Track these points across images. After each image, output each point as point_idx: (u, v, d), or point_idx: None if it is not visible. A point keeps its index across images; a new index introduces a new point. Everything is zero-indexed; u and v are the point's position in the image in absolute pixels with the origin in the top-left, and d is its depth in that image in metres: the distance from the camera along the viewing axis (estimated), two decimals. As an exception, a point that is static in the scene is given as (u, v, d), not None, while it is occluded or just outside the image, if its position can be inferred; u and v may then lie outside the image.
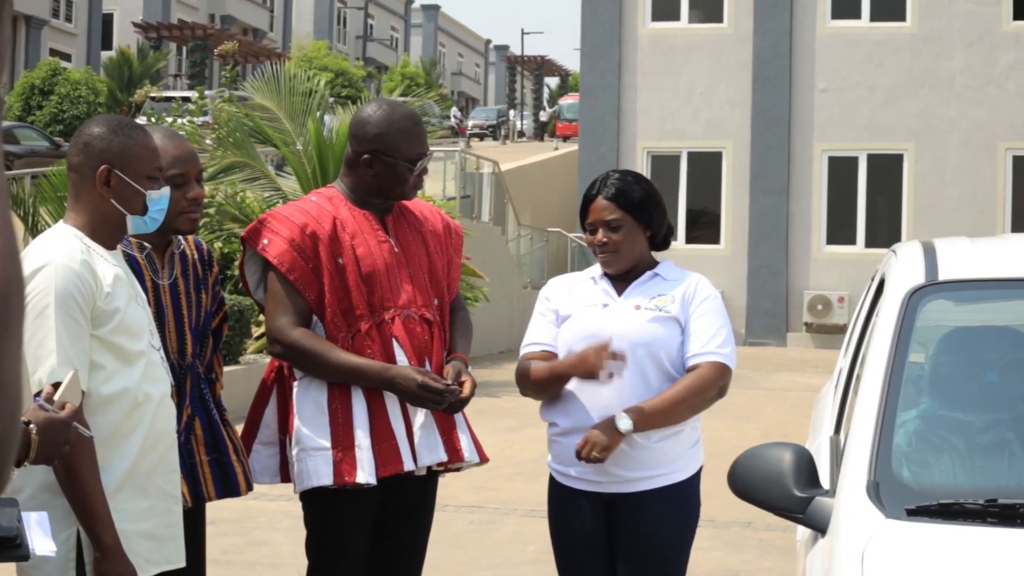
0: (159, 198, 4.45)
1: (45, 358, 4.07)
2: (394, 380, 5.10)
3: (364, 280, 5.23)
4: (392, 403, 5.21)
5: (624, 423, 5.08)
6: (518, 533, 10.27)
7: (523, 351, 5.47)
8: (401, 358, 5.24)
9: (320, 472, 5.15)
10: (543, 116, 76.70)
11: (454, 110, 65.50)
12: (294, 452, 5.21)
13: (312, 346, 5.15)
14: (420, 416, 5.28)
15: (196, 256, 5.34)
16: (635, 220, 5.32)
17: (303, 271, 5.18)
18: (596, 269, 5.46)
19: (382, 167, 5.30)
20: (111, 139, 4.35)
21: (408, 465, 5.20)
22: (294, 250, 5.18)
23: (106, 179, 4.32)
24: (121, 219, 4.38)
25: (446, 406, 5.14)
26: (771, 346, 28.88)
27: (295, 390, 5.25)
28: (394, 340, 5.25)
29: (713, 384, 5.23)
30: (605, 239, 5.30)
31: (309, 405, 5.21)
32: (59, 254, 4.18)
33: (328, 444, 5.16)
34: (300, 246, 5.18)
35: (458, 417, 5.39)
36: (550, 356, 5.36)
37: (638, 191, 5.35)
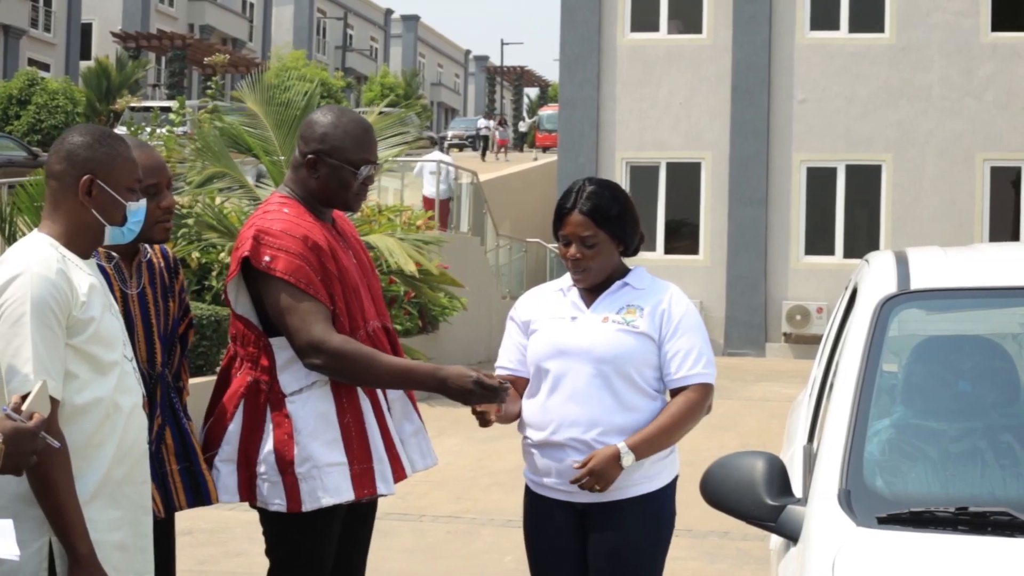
0: (137, 210, 4.45)
1: (21, 367, 4.04)
2: (448, 380, 5.04)
3: (352, 293, 5.21)
4: (386, 413, 5.22)
5: (628, 459, 5.09)
6: (495, 543, 10.26)
7: (495, 371, 5.45)
8: None
9: (340, 488, 5.08)
10: (523, 127, 76.64)
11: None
12: (302, 469, 5.07)
13: (359, 350, 5.04)
14: (410, 424, 5.29)
15: (163, 264, 5.32)
16: (610, 236, 5.30)
17: (316, 284, 5.08)
18: (566, 280, 5.45)
19: (326, 169, 5.23)
20: (95, 149, 4.33)
21: (408, 472, 5.26)
22: (304, 263, 5.06)
23: (88, 189, 4.31)
24: (100, 229, 4.37)
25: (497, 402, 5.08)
26: (750, 356, 28.87)
27: (291, 406, 5.11)
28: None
29: (702, 406, 5.27)
30: (579, 255, 5.27)
31: (312, 421, 5.10)
32: (34, 263, 4.16)
33: (343, 459, 5.09)
34: (307, 258, 5.08)
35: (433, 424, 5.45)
36: (515, 380, 5.37)
37: (615, 207, 5.32)
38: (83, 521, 4.12)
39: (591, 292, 5.36)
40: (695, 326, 5.31)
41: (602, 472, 5.07)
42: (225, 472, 5.23)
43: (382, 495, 5.16)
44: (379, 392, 5.21)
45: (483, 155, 56.23)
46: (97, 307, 4.26)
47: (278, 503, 5.12)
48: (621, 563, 5.26)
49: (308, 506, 5.08)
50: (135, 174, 4.44)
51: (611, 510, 5.23)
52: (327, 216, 5.35)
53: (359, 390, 5.14)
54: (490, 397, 5.02)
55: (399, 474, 5.21)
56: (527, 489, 5.47)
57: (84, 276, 4.28)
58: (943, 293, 4.71)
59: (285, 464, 5.09)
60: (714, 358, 5.35)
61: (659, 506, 5.30)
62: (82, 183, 4.31)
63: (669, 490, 5.34)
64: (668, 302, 5.30)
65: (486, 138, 59.94)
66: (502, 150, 59.80)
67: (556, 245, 21.60)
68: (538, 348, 5.32)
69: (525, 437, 5.38)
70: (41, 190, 15.62)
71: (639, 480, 5.22)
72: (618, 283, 5.36)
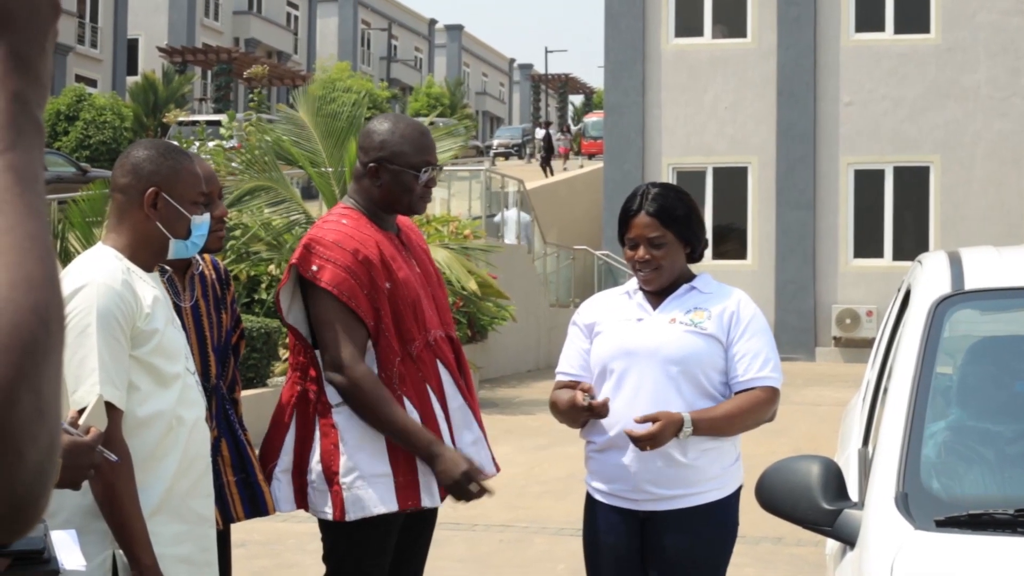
0: (202, 223, 4.48)
1: (86, 377, 4.05)
2: (438, 458, 5.06)
3: (411, 302, 5.22)
4: (443, 424, 5.22)
5: (687, 431, 5.02)
6: (548, 551, 10.25)
7: (556, 377, 5.46)
8: (447, 377, 5.28)
9: (384, 499, 5.10)
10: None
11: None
12: (347, 480, 5.11)
13: (373, 390, 5.07)
14: (470, 434, 5.29)
15: (214, 276, 5.35)
16: (677, 237, 5.26)
17: (361, 298, 5.11)
18: (631, 284, 5.41)
19: (388, 175, 5.28)
20: (160, 162, 4.37)
21: None
22: (351, 276, 5.11)
23: (153, 201, 4.35)
24: (164, 242, 4.40)
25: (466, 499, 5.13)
26: (800, 361, 28.76)
27: (337, 416, 5.16)
28: (438, 361, 5.28)
29: (768, 408, 5.22)
30: (647, 256, 5.22)
31: (357, 431, 5.14)
32: (100, 274, 4.18)
33: (388, 470, 5.11)
34: (355, 272, 5.11)
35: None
36: (578, 385, 5.31)
37: (681, 208, 5.28)
38: (147, 534, 4.13)
39: (657, 295, 5.31)
40: (763, 330, 5.28)
41: (661, 433, 4.99)
42: (284, 482, 5.28)
43: (426, 507, 5.15)
44: (434, 401, 5.22)
45: (546, 165, 55.12)
46: (161, 319, 4.28)
47: (327, 511, 5.17)
48: (683, 572, 5.20)
49: (352, 515, 5.12)
50: (199, 187, 4.47)
51: (672, 518, 5.16)
52: (391, 224, 5.39)
53: (407, 400, 5.15)
54: (467, 497, 5.07)
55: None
56: (588, 496, 5.40)
57: (148, 288, 4.30)
58: (998, 293, 4.68)
59: (331, 473, 5.14)
60: (781, 364, 5.32)
61: (722, 515, 5.22)
62: (147, 195, 4.34)
63: (733, 499, 5.26)
64: (736, 305, 5.27)
65: (549, 146, 58.69)
66: (566, 158, 59.44)
67: (604, 251, 21.63)
68: (603, 349, 5.27)
69: (589, 441, 5.33)
70: (92, 206, 15.72)
71: (705, 488, 5.16)
72: (685, 286, 5.32)
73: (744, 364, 5.19)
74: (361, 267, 5.13)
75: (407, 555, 5.40)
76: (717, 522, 5.21)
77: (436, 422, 5.19)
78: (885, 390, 4.59)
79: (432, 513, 5.42)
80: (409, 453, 5.11)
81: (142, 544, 4.13)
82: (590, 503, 5.40)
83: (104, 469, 3.92)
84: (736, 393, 5.20)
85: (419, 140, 5.32)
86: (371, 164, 5.30)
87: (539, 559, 10.06)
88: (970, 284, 4.59)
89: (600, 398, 5.18)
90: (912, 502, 3.76)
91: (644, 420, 5.00)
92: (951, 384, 4.64)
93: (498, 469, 5.51)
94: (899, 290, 5.60)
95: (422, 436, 5.08)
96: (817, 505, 3.95)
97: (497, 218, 28.01)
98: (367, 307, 5.12)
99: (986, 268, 4.81)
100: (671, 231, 5.24)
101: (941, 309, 4.45)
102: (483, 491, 5.10)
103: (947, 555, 3.57)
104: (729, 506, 5.23)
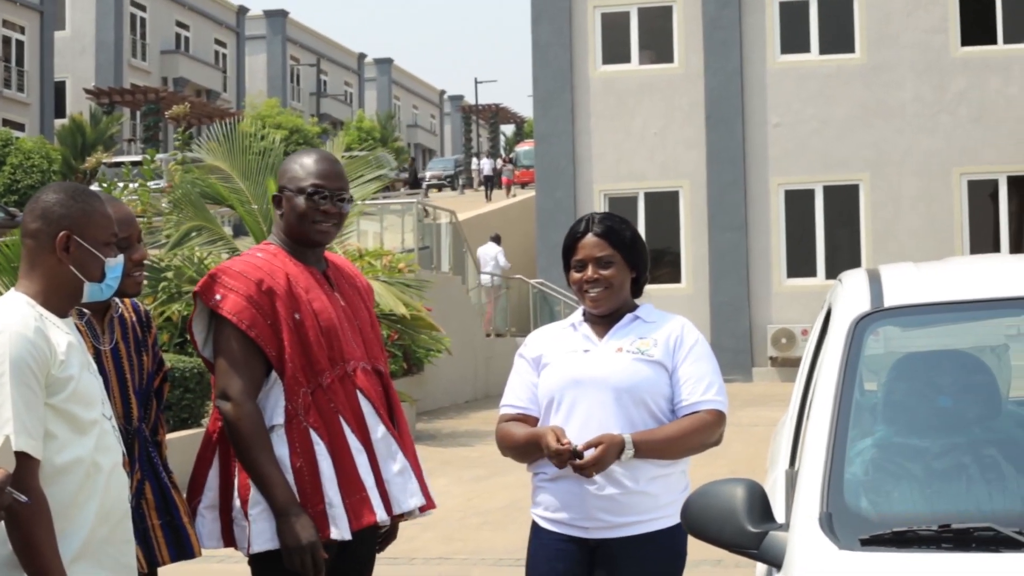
0: (116, 265, 4.41)
1: (1, 426, 3.99)
2: (288, 518, 5.00)
3: (324, 334, 5.19)
4: (359, 454, 5.17)
5: (628, 453, 5.04)
6: (487, 583, 10.19)
7: (501, 409, 5.44)
8: (368, 408, 5.23)
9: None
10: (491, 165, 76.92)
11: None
12: (253, 512, 5.07)
13: (250, 431, 5.04)
14: (395, 464, 5.24)
15: (135, 318, 5.30)
16: (624, 259, 5.32)
17: (262, 327, 5.10)
18: (575, 317, 5.44)
19: (287, 204, 5.31)
20: (71, 205, 4.30)
21: (381, 516, 5.17)
22: (252, 306, 5.10)
23: (65, 245, 4.27)
24: (78, 286, 4.32)
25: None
26: (737, 382, 28.86)
27: None
28: (358, 392, 5.22)
29: (713, 430, 5.24)
30: (596, 276, 5.26)
31: None
32: (12, 322, 4.11)
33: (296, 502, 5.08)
34: (258, 302, 5.11)
35: (422, 465, 5.41)
36: (526, 418, 5.32)
37: (627, 231, 5.37)
38: None
39: (603, 326, 5.35)
40: (707, 355, 5.32)
41: (604, 456, 5.00)
42: (210, 519, 5.24)
43: (334, 540, 5.09)
44: (349, 433, 5.17)
45: (489, 195, 56.27)
46: (75, 366, 4.21)
47: (244, 546, 5.15)
48: None
49: (256, 548, 5.07)
50: (111, 229, 4.40)
51: (626, 545, 5.15)
52: (313, 259, 5.37)
53: (314, 433, 5.11)
54: (306, 566, 5.00)
55: (366, 517, 5.13)
56: (534, 525, 5.36)
57: (62, 335, 4.23)
58: (917, 309, 4.68)
59: (246, 507, 5.10)
60: (725, 389, 5.35)
61: (673, 542, 5.20)
62: (59, 240, 4.27)
63: (682, 527, 5.27)
64: (680, 331, 5.32)
65: (490, 178, 59.87)
66: (510, 188, 59.73)
67: (538, 280, 21.56)
68: (552, 380, 5.27)
69: (537, 473, 5.30)
70: (18, 250, 15.55)
71: (656, 515, 5.16)
72: (629, 316, 5.36)
73: (688, 388, 5.22)
74: (264, 297, 5.12)
75: None
76: (667, 549, 5.20)
77: (350, 453, 5.14)
78: (809, 409, 4.58)
79: (365, 552, 5.37)
80: (318, 487, 5.07)
81: None
82: (537, 532, 5.35)
83: (23, 517, 3.88)
84: (681, 417, 5.21)
85: (311, 165, 5.31)
86: (275, 195, 5.34)
87: (478, 591, 10.01)
88: (889, 301, 4.58)
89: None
90: (836, 521, 3.75)
91: (587, 446, 5.01)
92: (876, 401, 4.64)
93: (432, 504, 5.45)
94: (823, 309, 5.60)
95: (281, 491, 5.02)
96: (742, 528, 3.92)
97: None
98: (269, 337, 5.11)
99: (905, 285, 4.80)
100: (618, 252, 5.30)
101: (861, 327, 4.45)
102: (318, 569, 5.02)
103: (872, 575, 3.55)
104: (679, 534, 5.20)
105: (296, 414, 5.10)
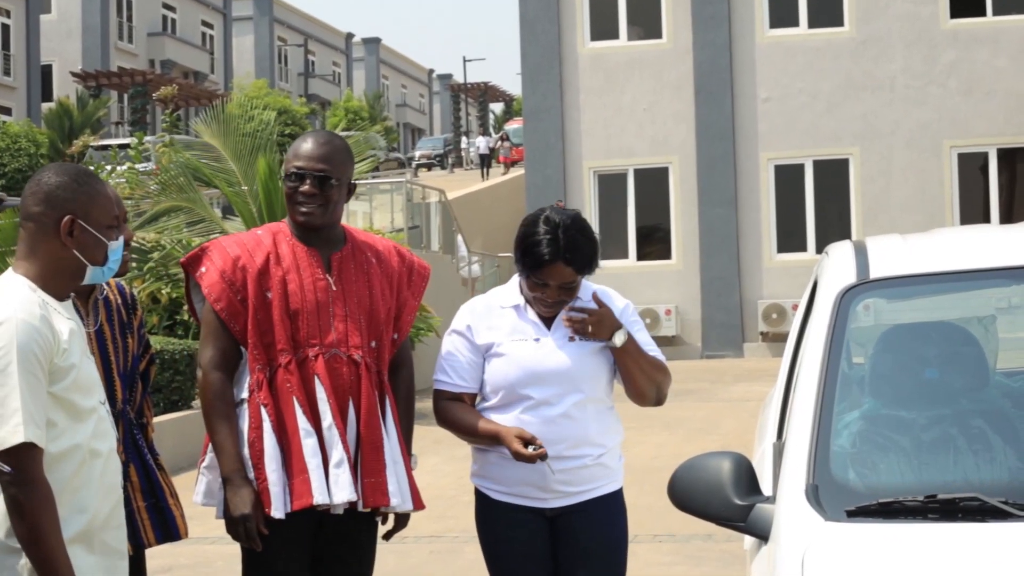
0: (117, 248, 4.38)
1: (9, 417, 3.97)
2: (231, 487, 5.10)
3: (289, 315, 5.22)
4: (308, 436, 5.17)
5: (620, 337, 5.23)
6: (478, 560, 10.12)
7: (436, 384, 5.45)
8: (321, 395, 5.22)
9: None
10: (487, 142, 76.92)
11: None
12: (204, 468, 5.29)
13: (211, 399, 5.17)
14: (335, 454, 5.20)
15: (120, 301, 5.29)
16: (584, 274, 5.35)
17: (230, 302, 5.21)
18: (515, 295, 5.46)
19: (283, 186, 5.40)
20: (75, 189, 4.25)
21: (320, 499, 5.13)
22: (224, 281, 5.21)
23: (70, 230, 4.23)
24: (80, 270, 4.29)
25: None
26: (728, 358, 28.87)
27: (239, 412, 5.24)
28: (315, 377, 5.21)
29: (666, 377, 5.43)
30: (560, 298, 5.31)
31: (240, 435, 5.22)
32: (18, 309, 4.07)
33: (251, 475, 5.15)
34: (231, 278, 5.21)
35: (393, 461, 5.32)
36: (464, 397, 5.39)
37: (587, 248, 5.30)
38: (71, 569, 4.04)
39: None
40: (639, 321, 5.50)
41: (603, 322, 5.21)
42: (211, 478, 5.32)
43: (275, 517, 5.09)
44: (301, 415, 5.18)
45: (485, 173, 56.22)
46: (77, 353, 4.19)
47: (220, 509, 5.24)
48: (597, 559, 5.34)
49: (196, 499, 5.28)
50: (113, 211, 4.38)
51: (584, 509, 5.32)
52: (316, 240, 5.38)
53: (264, 410, 5.17)
54: (240, 536, 5.08)
55: (304, 498, 5.12)
56: (483, 497, 5.44)
57: (64, 321, 4.19)
58: (903, 280, 4.67)
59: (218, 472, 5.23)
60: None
61: (621, 503, 5.44)
62: (63, 224, 4.22)
63: (621, 491, 5.49)
64: (613, 304, 5.40)
65: (486, 156, 59.93)
66: (508, 167, 59.65)
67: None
68: (511, 373, 5.31)
69: (486, 451, 5.37)
70: (5, 234, 15.53)
71: (605, 481, 5.35)
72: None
73: None
74: (239, 273, 5.24)
75: (337, 561, 5.37)
76: (620, 509, 5.42)
77: (298, 435, 5.15)
78: (795, 382, 4.57)
79: (356, 534, 5.38)
80: (262, 464, 5.13)
81: None
82: (486, 502, 5.44)
83: (28, 507, 3.93)
84: None
85: (299, 146, 5.39)
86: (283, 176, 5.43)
87: (470, 568, 10.00)
88: (875, 273, 4.58)
89: (510, 414, 5.29)
90: (823, 493, 3.75)
91: (589, 313, 5.23)
92: (864, 373, 4.63)
93: (421, 505, 5.43)
94: (810, 282, 5.60)
95: (227, 459, 5.13)
96: (729, 501, 3.93)
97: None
98: (236, 312, 5.23)
99: (891, 256, 4.80)
100: (582, 273, 5.31)
101: (847, 298, 4.45)
102: (252, 541, 5.09)
103: (858, 545, 3.55)
104: (622, 496, 5.47)
105: (252, 388, 5.20)
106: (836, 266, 4.77)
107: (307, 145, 5.36)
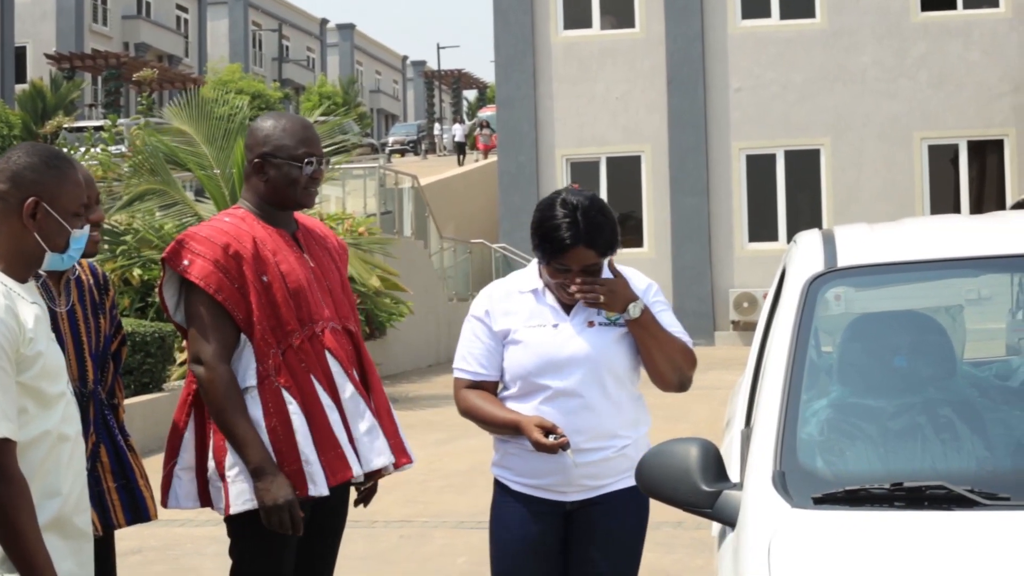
0: (81, 236, 4.25)
1: None
2: (264, 477, 5.06)
3: (292, 295, 5.25)
4: (332, 412, 5.23)
5: (636, 309, 5.08)
6: (448, 545, 10.22)
7: (456, 372, 5.32)
8: (336, 368, 5.29)
9: None
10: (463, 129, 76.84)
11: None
12: (231, 473, 5.12)
13: (224, 393, 5.11)
14: (363, 423, 5.28)
15: (92, 281, 5.28)
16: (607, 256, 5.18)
17: (230, 291, 5.17)
18: (534, 279, 5.28)
19: (273, 170, 5.36)
20: (44, 171, 4.14)
21: (356, 471, 5.23)
22: (219, 271, 5.17)
23: (32, 212, 4.12)
24: (39, 254, 4.17)
25: None
26: (700, 346, 28.70)
27: None
28: (327, 352, 5.27)
29: (690, 359, 5.27)
30: (584, 282, 5.11)
31: None
32: None
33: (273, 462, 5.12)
34: (224, 266, 5.18)
35: (397, 420, 5.48)
36: (483, 384, 5.23)
37: (609, 228, 5.15)
38: (48, 558, 3.98)
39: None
40: (665, 302, 5.33)
41: (617, 291, 5.06)
42: (186, 480, 5.30)
43: (311, 496, 5.12)
44: (322, 392, 5.22)
45: (461, 160, 56.36)
46: (43, 340, 4.10)
47: (221, 506, 5.20)
48: (613, 553, 5.20)
49: (235, 509, 5.14)
50: (82, 199, 4.24)
51: (604, 501, 5.16)
52: (284, 221, 5.44)
53: (287, 393, 5.16)
54: (284, 524, 5.05)
55: (342, 473, 5.19)
56: (502, 486, 5.29)
57: (28, 306, 4.09)
58: (871, 269, 4.70)
59: (222, 469, 5.17)
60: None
61: (643, 497, 5.16)
62: (27, 205, 4.10)
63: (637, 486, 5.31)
64: (633, 285, 5.22)
65: (461, 144, 59.96)
66: (487, 153, 59.49)
67: (501, 244, 21.43)
68: (528, 361, 5.15)
69: (508, 441, 5.21)
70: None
71: (626, 474, 5.12)
72: None
73: None
74: (231, 261, 5.19)
75: (318, 548, 5.41)
76: (642, 502, 5.22)
77: (323, 411, 5.20)
78: (763, 369, 4.59)
79: (339, 505, 5.43)
80: (293, 445, 5.13)
81: (45, 570, 3.99)
82: (504, 491, 5.29)
83: (4, 502, 3.85)
84: None
85: (301, 133, 5.40)
86: (256, 160, 5.39)
87: (439, 553, 10.04)
88: (843, 261, 4.60)
89: (529, 403, 5.13)
90: (789, 480, 3.77)
91: (604, 284, 5.08)
92: (832, 362, 4.66)
93: (409, 459, 5.47)
94: (778, 270, 5.62)
95: (256, 451, 5.09)
96: (696, 487, 3.94)
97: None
98: (237, 300, 5.18)
99: (859, 245, 4.82)
100: (605, 255, 5.14)
101: (815, 287, 4.47)
102: (296, 527, 5.08)
103: (824, 532, 3.56)
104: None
105: (268, 375, 5.17)
106: (804, 254, 4.79)
107: (309, 132, 5.43)
